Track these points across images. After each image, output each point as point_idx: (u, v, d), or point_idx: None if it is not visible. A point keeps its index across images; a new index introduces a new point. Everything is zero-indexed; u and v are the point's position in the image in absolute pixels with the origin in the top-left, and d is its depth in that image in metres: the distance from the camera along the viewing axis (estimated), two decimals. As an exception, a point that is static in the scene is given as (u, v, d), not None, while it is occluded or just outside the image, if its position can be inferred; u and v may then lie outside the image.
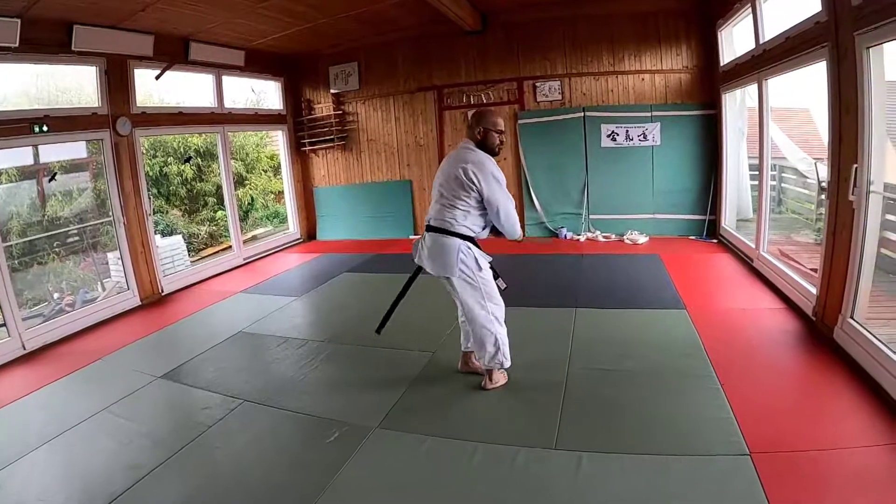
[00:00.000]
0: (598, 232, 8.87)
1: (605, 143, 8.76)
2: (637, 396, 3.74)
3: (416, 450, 3.40)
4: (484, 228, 3.88)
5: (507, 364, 4.00)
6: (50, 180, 9.30)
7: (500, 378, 4.09)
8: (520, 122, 9.26)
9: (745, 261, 6.80)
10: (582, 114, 8.85)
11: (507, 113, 9.35)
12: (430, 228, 3.88)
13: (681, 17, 8.25)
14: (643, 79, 8.56)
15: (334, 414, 3.98)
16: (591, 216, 9.05)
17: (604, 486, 2.85)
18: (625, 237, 8.53)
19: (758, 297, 5.66)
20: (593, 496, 2.80)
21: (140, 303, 7.56)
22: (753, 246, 6.55)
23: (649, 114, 8.48)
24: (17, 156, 8.77)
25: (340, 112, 10.76)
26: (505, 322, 4.07)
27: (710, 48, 8.08)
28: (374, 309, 5.93)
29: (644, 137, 8.51)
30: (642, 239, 8.36)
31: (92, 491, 3.37)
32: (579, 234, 8.97)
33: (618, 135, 8.66)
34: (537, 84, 9.13)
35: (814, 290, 4.79)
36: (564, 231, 9.04)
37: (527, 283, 6.69)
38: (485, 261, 3.85)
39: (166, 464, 3.58)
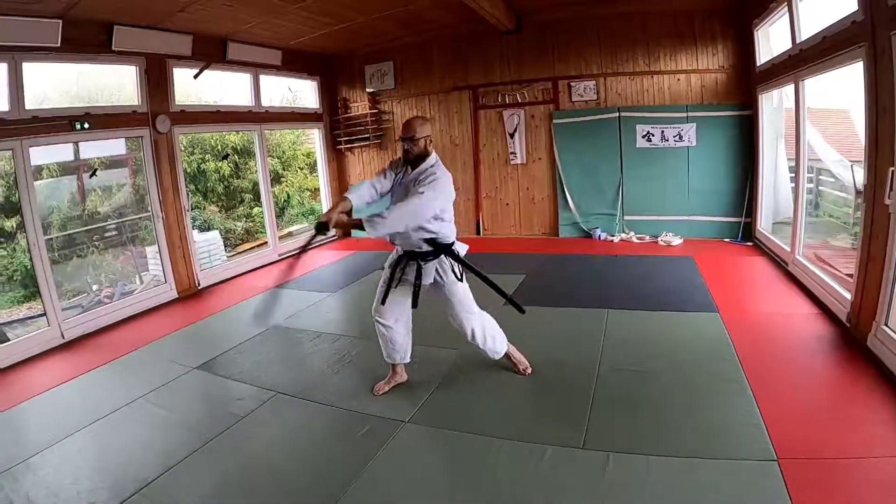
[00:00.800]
0: (632, 233, 8.82)
1: (641, 143, 8.70)
2: (667, 398, 3.75)
3: (445, 445, 3.48)
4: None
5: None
6: (91, 176, 9.56)
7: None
8: (555, 121, 9.26)
9: (780, 265, 6.71)
10: (617, 114, 8.80)
11: (543, 112, 9.43)
12: None
13: (716, 15, 8.14)
14: (679, 79, 8.48)
15: (365, 408, 4.06)
16: (625, 217, 9.00)
17: (630, 487, 2.88)
18: (659, 239, 8.48)
19: (792, 301, 5.60)
20: (619, 496, 2.82)
21: (177, 296, 7.80)
22: (789, 250, 6.45)
23: (685, 114, 8.39)
24: (58, 152, 9.00)
25: (376, 111, 10.89)
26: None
27: (746, 48, 7.96)
28: None
29: (679, 138, 8.43)
30: (677, 241, 8.30)
31: (125, 476, 3.51)
32: (613, 235, 8.94)
33: (653, 135, 8.59)
34: (572, 84, 9.10)
35: (848, 296, 4.72)
36: (598, 231, 9.01)
37: (560, 282, 6.82)
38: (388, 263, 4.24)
39: (199, 452, 3.70)
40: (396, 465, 3.32)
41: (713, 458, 3.03)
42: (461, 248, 4.06)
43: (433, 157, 3.90)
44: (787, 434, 3.18)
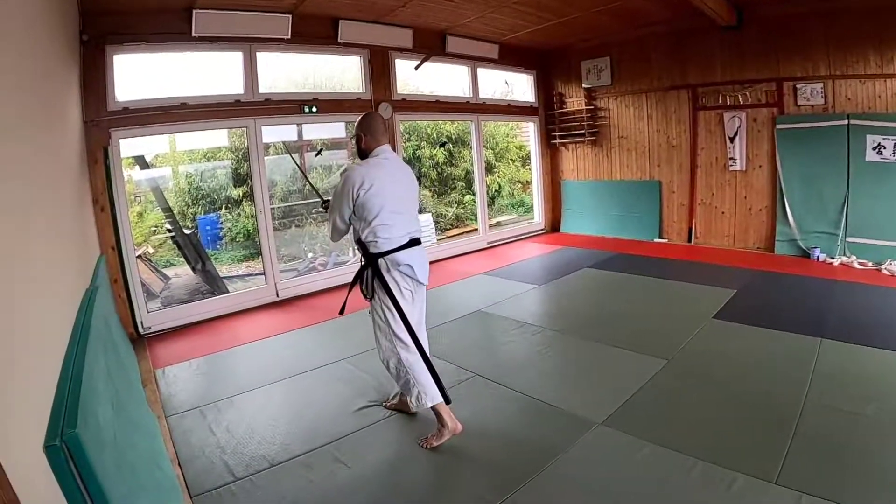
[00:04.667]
0: (853, 257, 8.45)
1: (870, 156, 8.28)
2: (875, 446, 3.53)
3: (635, 453, 3.58)
4: None
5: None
6: (317, 154, 10.79)
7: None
8: (778, 126, 9.19)
9: None
10: (846, 121, 8.45)
11: (765, 116, 9.29)
12: (414, 241, 3.83)
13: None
14: (915, 83, 8.16)
15: (559, 402, 4.32)
16: (847, 238, 8.63)
17: (817, 533, 2.93)
18: (883, 266, 7.99)
19: None
20: (803, 541, 2.90)
21: (386, 270, 8.75)
22: None
23: (921, 125, 8.03)
24: (284, 133, 10.23)
25: (592, 107, 11.59)
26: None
27: None
28: (614, 308, 6.80)
29: (914, 153, 8.04)
30: (902, 271, 8.05)
31: (319, 427, 4.12)
32: (833, 258, 8.62)
33: (884, 147, 8.13)
34: (798, 86, 8.94)
35: None
36: (817, 252, 8.76)
37: (772, 303, 6.72)
38: None
39: (390, 419, 4.23)
40: (581, 465, 3.49)
41: (913, 524, 2.94)
42: (396, 259, 3.74)
43: (375, 152, 3.80)
44: None
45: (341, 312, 4.20)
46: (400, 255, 3.72)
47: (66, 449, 1.73)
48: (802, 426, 3.80)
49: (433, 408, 3.80)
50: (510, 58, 10.99)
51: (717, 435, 3.78)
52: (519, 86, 12.50)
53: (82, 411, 1.93)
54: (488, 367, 4.97)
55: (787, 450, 3.51)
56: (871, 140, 8.20)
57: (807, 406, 4.08)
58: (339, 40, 8.20)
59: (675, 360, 5.04)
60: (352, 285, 3.99)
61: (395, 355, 3.80)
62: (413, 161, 13.07)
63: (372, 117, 3.87)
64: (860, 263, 8.25)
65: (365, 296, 3.88)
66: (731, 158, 9.75)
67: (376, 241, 3.68)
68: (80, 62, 6.01)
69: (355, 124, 3.90)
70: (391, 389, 4.64)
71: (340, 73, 9.51)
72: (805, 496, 3.03)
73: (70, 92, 5.12)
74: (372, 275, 3.76)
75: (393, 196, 3.72)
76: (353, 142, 4.00)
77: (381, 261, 3.70)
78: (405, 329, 3.74)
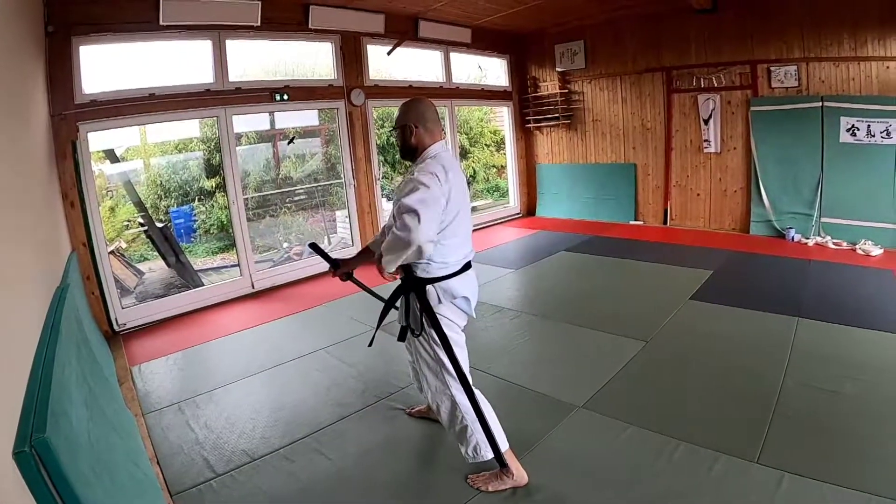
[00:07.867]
0: (828, 237, 8.58)
1: (844, 137, 8.40)
2: (854, 424, 3.60)
3: (617, 435, 3.64)
4: None
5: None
6: (289, 143, 10.57)
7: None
8: (752, 109, 9.29)
9: None
10: (820, 103, 8.57)
11: (740, 98, 9.44)
12: (468, 265, 3.18)
13: (931, -6, 7.79)
14: (888, 67, 8.00)
15: (539, 387, 4.37)
16: (822, 219, 8.77)
17: (800, 512, 2.99)
18: (857, 246, 8.13)
19: None
20: (788, 520, 2.96)
21: (363, 258, 8.84)
22: None
23: (895, 107, 7.83)
24: (256, 121, 10.09)
25: (566, 91, 11.62)
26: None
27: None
28: (591, 290, 6.90)
29: (888, 134, 8.01)
30: (876, 251, 7.89)
31: (299, 419, 4.14)
32: (808, 238, 8.73)
33: (858, 129, 8.26)
34: (772, 68, 9.04)
35: None
36: (792, 232, 8.89)
37: (748, 283, 6.83)
38: None
39: (373, 407, 4.26)
40: (565, 447, 3.55)
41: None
42: (452, 289, 3.06)
43: (431, 151, 3.04)
44: None
45: (370, 345, 3.56)
46: (456, 285, 3.06)
47: (35, 455, 1.70)
48: (782, 405, 3.88)
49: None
50: (483, 42, 10.99)
51: (698, 416, 3.84)
52: (493, 70, 12.52)
53: (53, 414, 1.90)
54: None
55: (768, 429, 3.59)
56: (845, 122, 8.30)
57: (785, 385, 4.16)
58: (309, 26, 8.12)
59: (654, 341, 5.12)
60: (384, 311, 3.33)
61: (449, 398, 3.11)
62: (388, 147, 13.02)
63: (423, 104, 3.09)
64: (835, 243, 8.37)
65: (413, 332, 3.10)
66: (705, 141, 9.84)
67: (429, 264, 2.98)
68: (46, 54, 5.89)
69: (398, 113, 3.10)
70: (370, 380, 4.67)
71: (312, 59, 9.43)
72: (786, 475, 3.09)
73: (36, 85, 5.02)
74: (419, 306, 3.04)
75: (459, 208, 3.01)
76: (396, 137, 3.15)
77: (430, 288, 3.00)
78: (459, 369, 3.07)
